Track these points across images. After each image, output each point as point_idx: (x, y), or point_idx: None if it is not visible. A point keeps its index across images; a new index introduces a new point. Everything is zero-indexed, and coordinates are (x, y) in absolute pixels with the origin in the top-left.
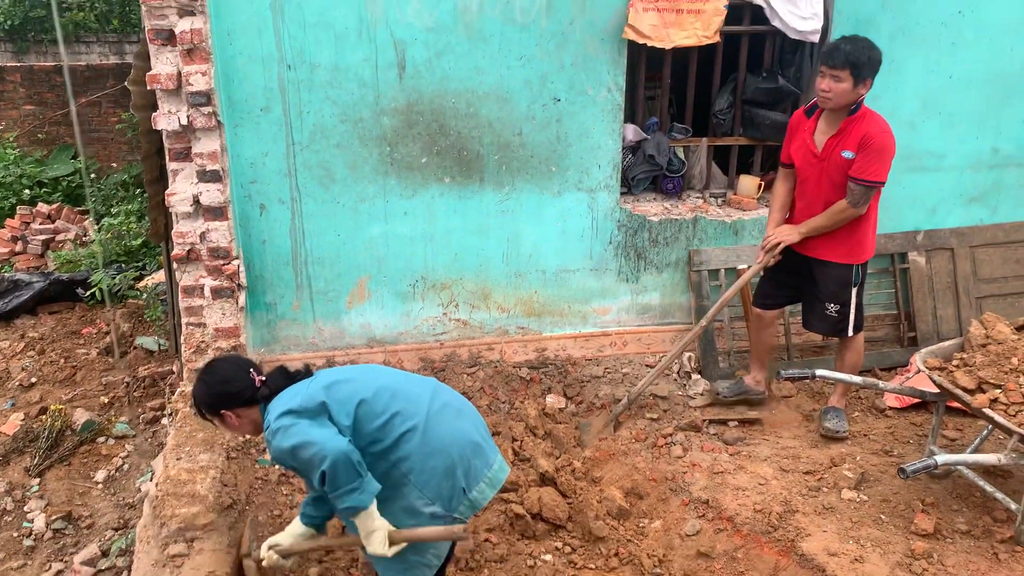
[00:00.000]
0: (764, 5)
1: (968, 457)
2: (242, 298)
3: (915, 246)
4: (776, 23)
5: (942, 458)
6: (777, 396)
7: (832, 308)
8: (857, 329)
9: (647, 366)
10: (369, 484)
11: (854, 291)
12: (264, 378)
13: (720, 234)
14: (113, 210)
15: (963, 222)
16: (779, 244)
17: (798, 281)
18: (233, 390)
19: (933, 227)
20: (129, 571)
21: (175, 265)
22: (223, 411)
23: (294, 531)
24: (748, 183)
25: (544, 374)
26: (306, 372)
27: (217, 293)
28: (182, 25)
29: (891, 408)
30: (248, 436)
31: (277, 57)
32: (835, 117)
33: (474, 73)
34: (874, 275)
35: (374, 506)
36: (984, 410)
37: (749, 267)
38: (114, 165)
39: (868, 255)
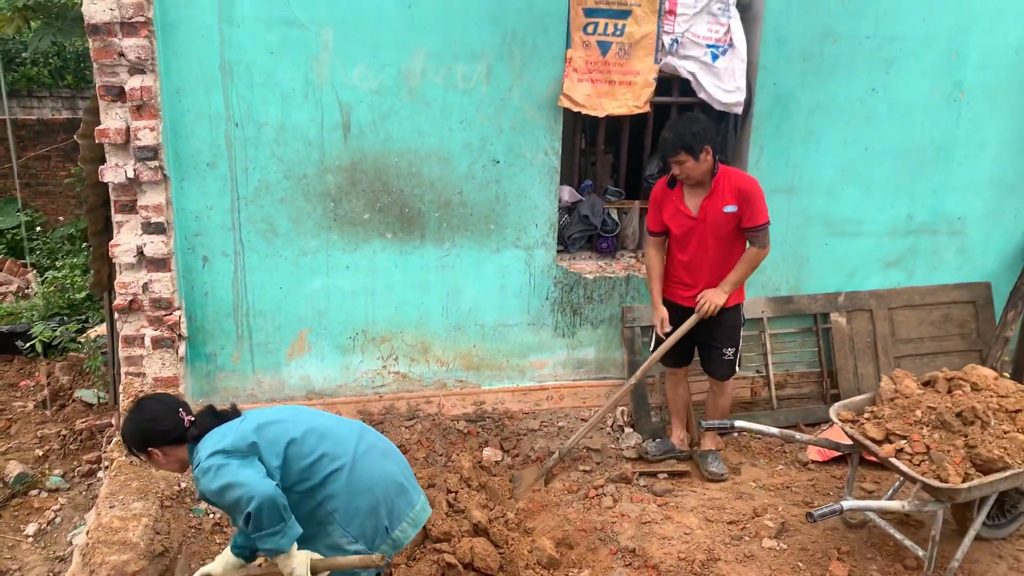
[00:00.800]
0: (691, 78)
1: (873, 503)
2: (182, 348)
3: (837, 307)
4: (702, 95)
5: (848, 503)
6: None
7: (729, 352)
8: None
9: (582, 420)
10: (291, 529)
11: (741, 332)
12: (192, 418)
13: None
14: (58, 263)
15: (882, 285)
16: (716, 306)
17: (698, 338)
18: (161, 428)
19: (853, 289)
20: None
21: (116, 315)
22: (150, 448)
23: (225, 560)
24: None
25: (481, 427)
26: (234, 412)
27: (157, 343)
28: (132, 82)
29: (813, 461)
30: (175, 473)
31: (225, 115)
32: (699, 185)
33: (417, 135)
34: (797, 334)
35: (294, 548)
36: (890, 459)
37: (674, 330)
38: (61, 219)
39: (744, 296)
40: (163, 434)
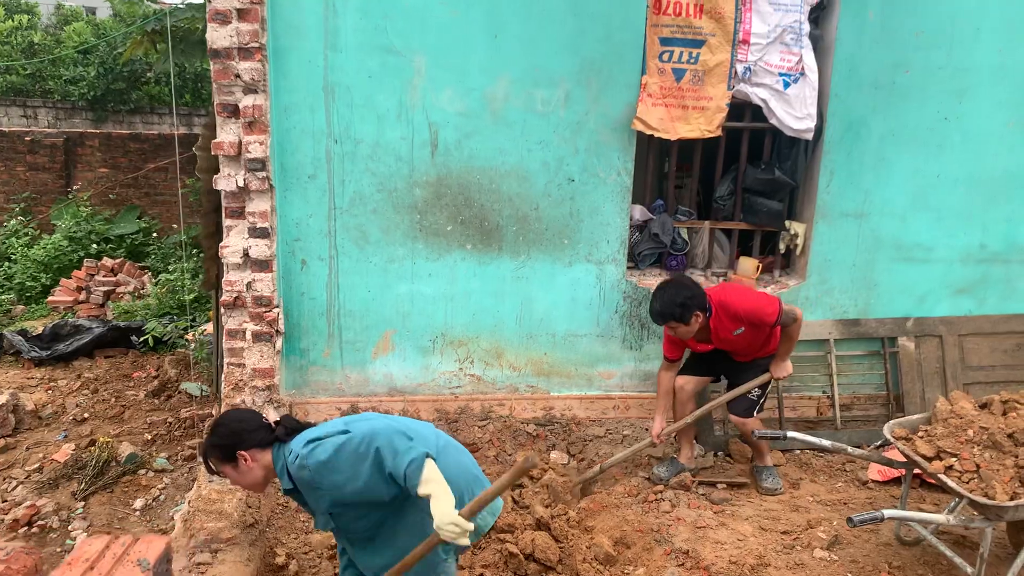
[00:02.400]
0: (763, 105)
1: (915, 514)
2: (279, 343)
3: (905, 331)
4: (774, 121)
5: (889, 512)
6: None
7: (755, 392)
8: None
9: (646, 429)
10: (419, 444)
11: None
12: (278, 420)
13: None
14: (170, 267)
15: (951, 311)
16: (790, 372)
17: (726, 370)
18: (250, 427)
19: (923, 315)
20: None
21: (222, 311)
22: (240, 452)
23: None
24: (747, 264)
25: (550, 431)
26: (309, 424)
27: (257, 337)
28: (246, 101)
29: (873, 481)
30: (252, 490)
31: (326, 132)
32: (702, 328)
33: (498, 153)
34: (865, 357)
35: (432, 464)
36: (939, 475)
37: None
38: (175, 226)
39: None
40: (252, 433)
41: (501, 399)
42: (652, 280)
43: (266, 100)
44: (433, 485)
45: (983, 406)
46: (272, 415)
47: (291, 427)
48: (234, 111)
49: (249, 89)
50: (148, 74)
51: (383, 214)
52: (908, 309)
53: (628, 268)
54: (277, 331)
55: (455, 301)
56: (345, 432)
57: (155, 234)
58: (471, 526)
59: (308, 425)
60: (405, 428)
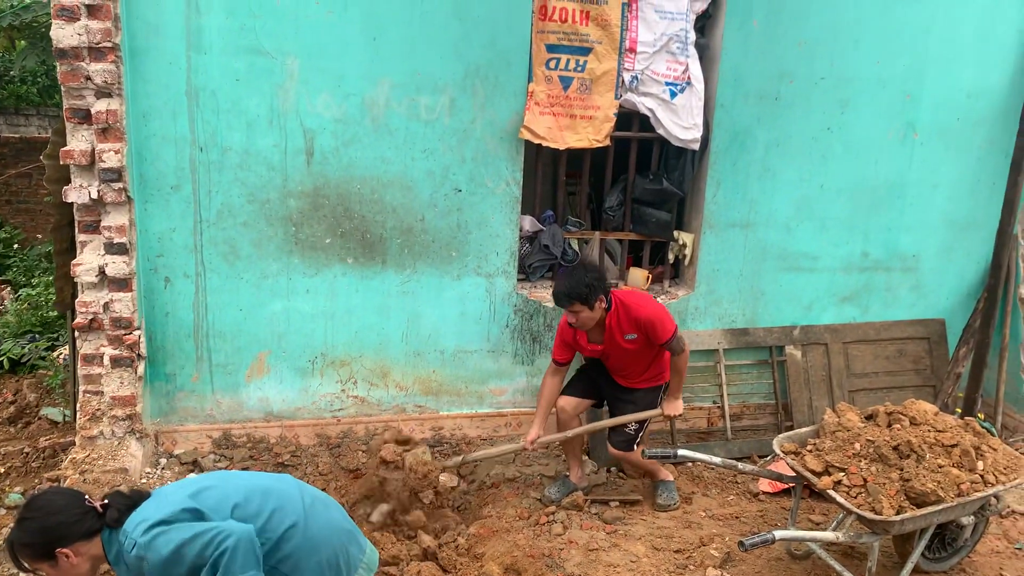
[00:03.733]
0: (650, 115)
1: (805, 533)
2: (141, 368)
3: (792, 340)
4: (661, 131)
5: (780, 533)
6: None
7: (632, 428)
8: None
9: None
10: None
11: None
12: (105, 501)
13: None
14: (34, 281)
15: (837, 319)
16: (680, 413)
17: (609, 394)
18: (71, 519)
19: (809, 323)
20: None
21: (77, 334)
22: (59, 549)
23: None
24: (637, 274)
25: (439, 452)
26: (143, 493)
27: (116, 362)
28: (99, 106)
29: (764, 493)
30: None
31: (190, 139)
32: (598, 324)
33: (380, 162)
34: (753, 366)
35: None
36: (828, 491)
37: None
38: (39, 236)
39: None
40: (74, 526)
41: (387, 420)
42: (543, 293)
43: (122, 105)
44: None
45: (868, 417)
46: (134, 452)
47: (123, 508)
48: (86, 116)
49: (102, 93)
50: (12, 72)
51: (255, 227)
52: (795, 318)
53: (519, 280)
54: (139, 355)
55: (336, 319)
56: (195, 512)
57: (16, 245)
58: None
59: (144, 497)
60: (268, 502)
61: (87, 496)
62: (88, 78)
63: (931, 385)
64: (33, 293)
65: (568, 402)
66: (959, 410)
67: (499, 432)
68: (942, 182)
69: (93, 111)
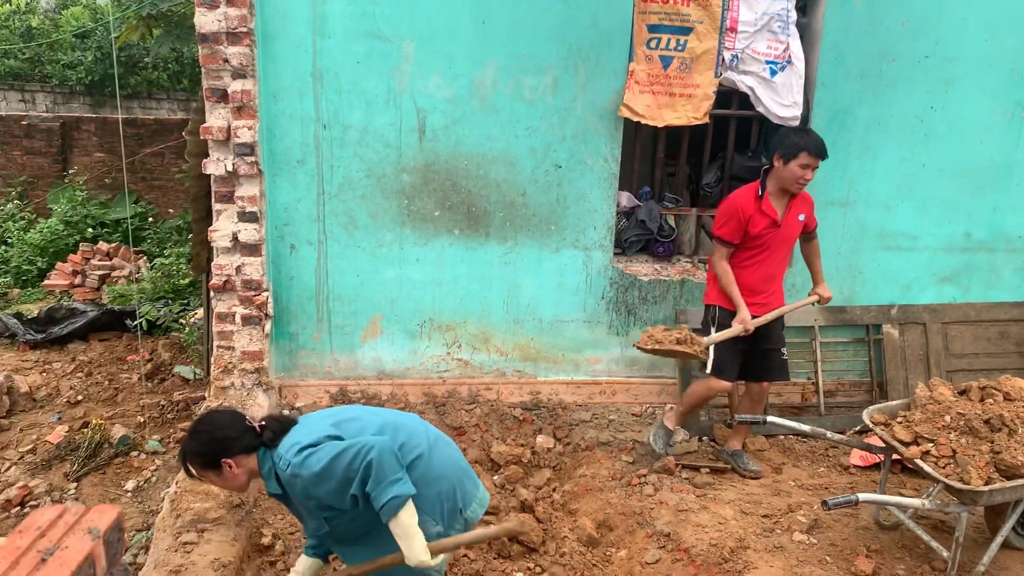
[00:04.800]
0: (750, 93)
1: (889, 497)
2: (268, 326)
3: (889, 319)
4: (760, 109)
5: (864, 496)
6: (751, 449)
7: (785, 352)
8: None
9: (633, 415)
10: (409, 481)
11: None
12: (263, 423)
13: None
14: (166, 252)
15: (936, 299)
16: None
17: (748, 346)
18: (234, 435)
19: (907, 303)
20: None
21: (212, 294)
22: (224, 460)
23: (304, 566)
24: None
25: (536, 415)
26: (292, 420)
27: (247, 320)
28: (234, 86)
29: (855, 466)
30: (234, 491)
31: (314, 117)
32: (783, 195)
33: (485, 140)
34: (850, 344)
35: (415, 522)
36: (916, 460)
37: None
38: (171, 211)
39: None
40: (237, 440)
41: (488, 383)
42: (639, 267)
43: (254, 85)
44: (402, 530)
45: (962, 392)
46: (260, 403)
47: (277, 430)
48: (223, 96)
49: (238, 74)
50: (146, 59)
51: (371, 199)
52: (893, 297)
53: (615, 255)
54: (266, 315)
55: (443, 286)
56: (337, 439)
57: (151, 219)
58: (437, 562)
59: (293, 423)
60: (399, 436)
61: (248, 416)
62: (226, 60)
63: None
64: (166, 263)
65: (729, 386)
66: None
67: (594, 399)
68: None
69: (230, 91)
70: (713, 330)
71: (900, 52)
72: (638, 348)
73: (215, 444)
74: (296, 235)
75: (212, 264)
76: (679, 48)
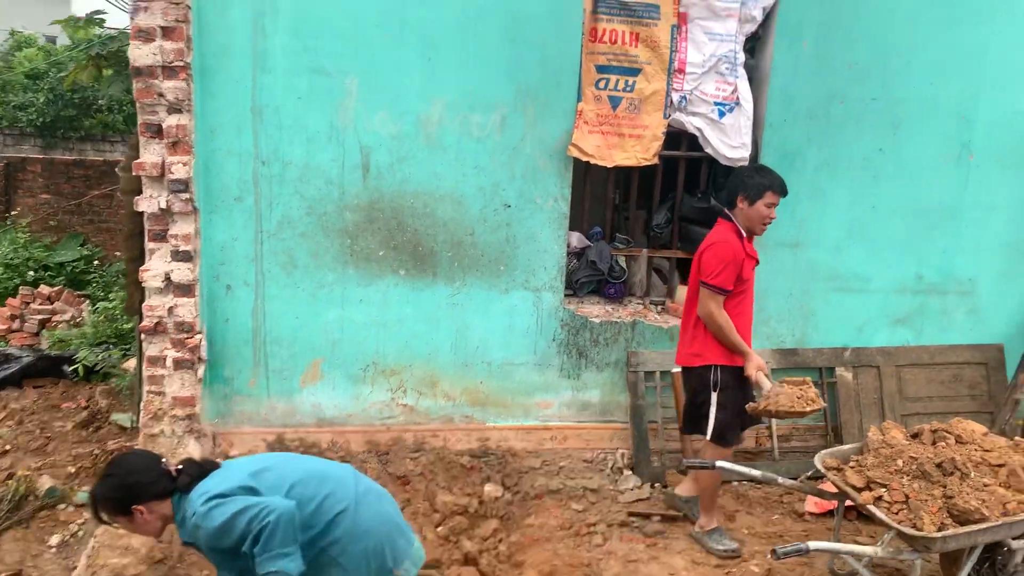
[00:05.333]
0: (698, 134)
1: (840, 546)
2: (201, 370)
3: (843, 362)
4: (709, 150)
5: (815, 544)
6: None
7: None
8: None
9: (584, 461)
10: (299, 558)
11: None
12: (180, 467)
13: (657, 338)
14: (111, 296)
15: (889, 342)
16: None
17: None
18: (147, 480)
19: (861, 345)
20: None
21: (143, 336)
22: (135, 506)
23: None
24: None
25: (484, 463)
26: (213, 464)
27: (178, 364)
28: (170, 121)
29: (810, 513)
30: (147, 536)
31: (253, 153)
32: (750, 235)
33: (432, 178)
34: None
35: None
36: (868, 506)
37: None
38: (118, 254)
39: None
40: (149, 486)
41: (435, 430)
42: (590, 308)
43: (191, 120)
44: None
45: (914, 436)
46: (192, 451)
47: (195, 475)
48: (157, 131)
49: (173, 109)
50: (100, 101)
51: (312, 238)
52: (846, 339)
53: (566, 296)
54: (199, 358)
55: (387, 328)
56: (252, 491)
57: (97, 262)
58: None
59: (213, 468)
60: (323, 487)
61: (164, 460)
62: (161, 95)
63: (988, 411)
64: (110, 306)
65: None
66: (1019, 438)
67: (544, 445)
68: (1000, 204)
69: (164, 126)
70: (714, 395)
71: (848, 94)
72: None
73: (126, 489)
74: (232, 275)
75: (143, 305)
76: (628, 89)
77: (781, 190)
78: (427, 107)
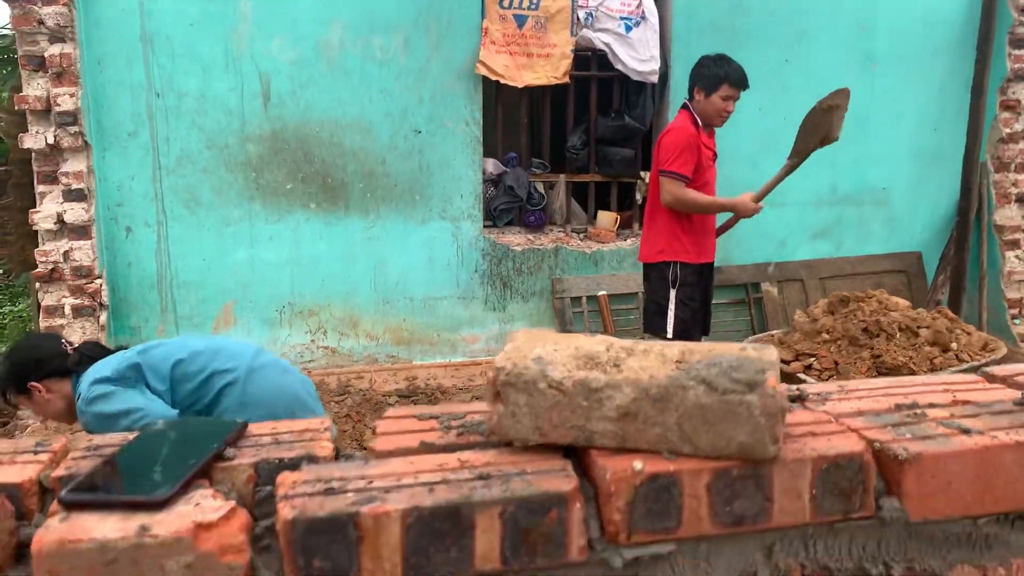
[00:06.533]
0: (607, 50)
1: None
2: (104, 318)
3: (767, 277)
4: (619, 67)
5: None
6: None
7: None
8: None
9: None
10: None
11: None
12: (76, 346)
13: (581, 264)
14: (20, 304)
15: (811, 255)
16: None
17: (703, 300)
18: (42, 355)
19: (783, 259)
20: None
21: (38, 285)
22: (32, 383)
23: None
24: (606, 218)
25: (414, 402)
26: (112, 350)
27: (78, 312)
28: (52, 50)
29: None
30: (56, 420)
31: (146, 85)
32: (710, 129)
33: (337, 104)
34: (730, 305)
35: None
36: (798, 375)
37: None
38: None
39: None
40: (44, 363)
41: (359, 371)
42: (511, 237)
43: (75, 49)
44: None
45: (837, 310)
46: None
47: (90, 355)
48: (40, 63)
49: (55, 37)
50: None
51: (215, 173)
52: (769, 254)
53: (485, 226)
54: (100, 304)
55: (302, 266)
56: (135, 368)
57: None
58: None
59: (115, 350)
60: (214, 362)
61: (64, 339)
62: (40, 22)
63: None
64: (17, 308)
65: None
66: (942, 307)
67: (474, 381)
68: (906, 112)
69: (47, 55)
70: (673, 291)
71: (751, 5)
72: None
73: (21, 366)
74: (132, 216)
75: (36, 251)
76: (533, 7)
77: (739, 83)
78: (326, 30)
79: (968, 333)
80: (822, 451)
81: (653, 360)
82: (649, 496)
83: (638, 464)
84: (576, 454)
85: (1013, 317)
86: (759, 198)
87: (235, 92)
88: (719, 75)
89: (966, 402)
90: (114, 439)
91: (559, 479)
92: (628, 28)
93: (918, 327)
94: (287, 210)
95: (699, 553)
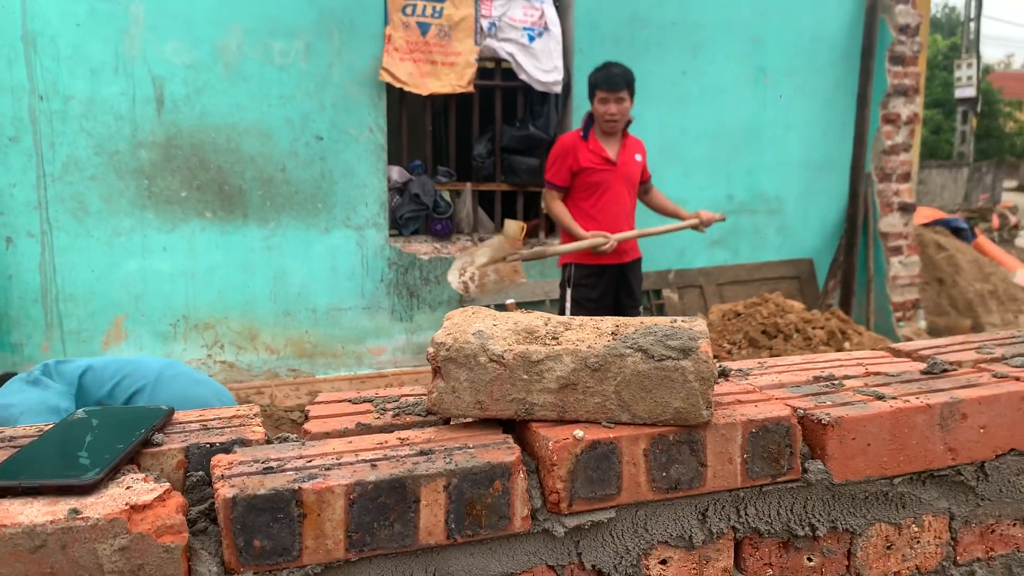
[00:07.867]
0: (511, 60)
1: None
2: None
3: (668, 284)
4: (523, 77)
5: None
6: None
7: (641, 308)
8: None
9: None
10: None
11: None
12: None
13: None
14: None
15: (709, 263)
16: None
17: (613, 303)
18: None
19: (683, 267)
20: None
21: None
22: None
23: None
24: (512, 226)
25: None
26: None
27: None
28: None
29: None
30: None
31: (28, 88)
32: (611, 137)
33: (235, 109)
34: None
35: None
36: None
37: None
38: None
39: None
40: None
41: (259, 387)
42: (418, 246)
43: None
44: None
45: (737, 314)
46: None
47: None
48: None
49: None
50: None
51: (104, 180)
52: (669, 262)
53: (391, 235)
54: None
55: (197, 278)
56: (36, 379)
57: None
58: None
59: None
60: (122, 370)
61: None
62: None
63: None
64: None
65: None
66: (834, 308)
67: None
68: (796, 123)
69: None
70: (568, 292)
71: (650, 18)
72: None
73: None
74: (13, 225)
75: None
76: (436, 15)
77: (608, 85)
78: (223, 34)
79: (860, 333)
80: (751, 416)
81: (589, 333)
82: (589, 464)
83: (579, 432)
84: (515, 429)
85: (898, 320)
86: (620, 240)
87: (126, 96)
88: (592, 81)
89: (878, 373)
90: (29, 430)
91: (502, 451)
92: (531, 38)
93: (813, 328)
94: (181, 219)
95: (638, 519)
